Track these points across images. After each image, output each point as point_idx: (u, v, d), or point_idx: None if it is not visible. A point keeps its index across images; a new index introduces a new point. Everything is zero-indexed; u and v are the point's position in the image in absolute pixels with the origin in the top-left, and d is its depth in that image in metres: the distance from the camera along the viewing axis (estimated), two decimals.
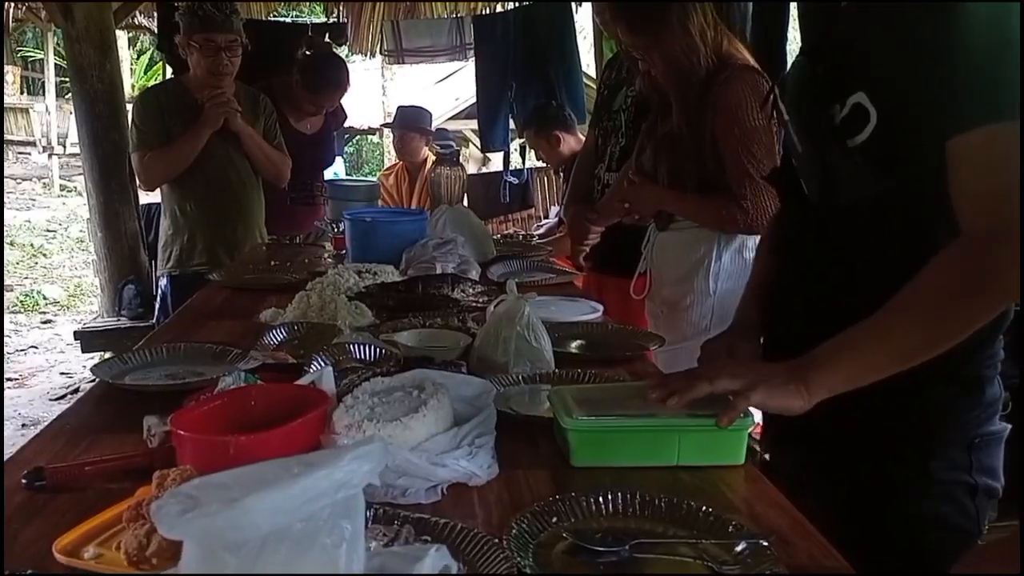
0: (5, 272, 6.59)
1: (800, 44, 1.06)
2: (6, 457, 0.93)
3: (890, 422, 0.96)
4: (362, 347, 1.21)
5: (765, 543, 0.73)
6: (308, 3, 6.24)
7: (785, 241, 1.08)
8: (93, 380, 1.23)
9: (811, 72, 0.95)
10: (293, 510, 0.52)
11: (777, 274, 1.10)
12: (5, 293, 6.03)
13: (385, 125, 4.20)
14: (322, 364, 1.11)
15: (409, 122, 3.68)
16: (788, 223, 1.10)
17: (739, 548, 0.73)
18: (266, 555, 0.52)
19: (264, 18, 4.90)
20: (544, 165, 4.42)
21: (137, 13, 4.84)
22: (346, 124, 4.03)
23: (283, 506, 0.51)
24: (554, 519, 0.77)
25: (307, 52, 3.21)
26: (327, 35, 4.55)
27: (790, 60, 2.35)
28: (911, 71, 0.83)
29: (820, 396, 0.86)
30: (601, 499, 0.80)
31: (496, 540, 0.71)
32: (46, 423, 1.07)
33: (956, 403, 0.95)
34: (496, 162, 5.48)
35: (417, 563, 0.60)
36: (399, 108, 3.90)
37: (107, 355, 1.31)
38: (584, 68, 4.60)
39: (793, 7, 2.14)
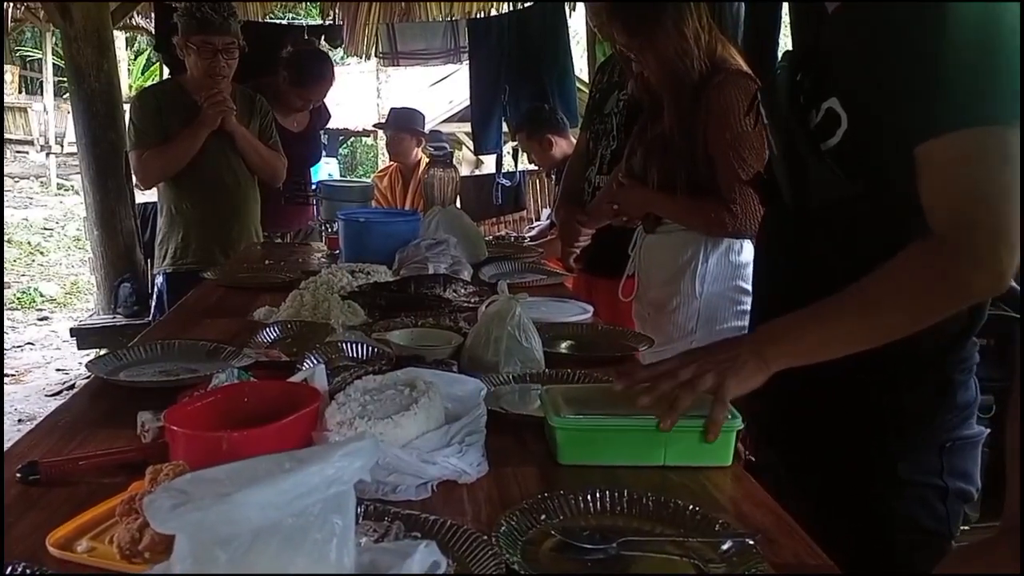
0: (4, 270, 6.60)
1: (790, 49, 1.08)
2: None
3: (862, 424, 0.98)
4: (354, 345, 1.22)
5: (751, 542, 0.74)
6: (304, 5, 6.24)
7: (767, 244, 1.10)
8: (88, 376, 1.24)
9: (792, 78, 0.97)
10: (284, 505, 0.53)
11: (758, 276, 1.11)
12: (4, 290, 6.03)
13: (377, 126, 4.21)
14: (315, 362, 1.12)
15: (402, 123, 3.70)
16: (768, 226, 1.11)
17: (725, 547, 0.74)
18: (257, 550, 0.52)
19: (261, 20, 4.91)
20: (536, 168, 4.43)
21: (134, 14, 4.84)
22: (341, 126, 4.04)
23: (274, 501, 0.52)
24: (542, 517, 0.78)
25: (290, 50, 3.26)
26: (323, 37, 4.56)
27: None
28: (883, 78, 0.85)
29: (777, 368, 0.89)
30: (589, 497, 0.81)
31: (485, 537, 0.72)
32: (42, 419, 1.08)
33: (927, 406, 0.96)
34: (489, 164, 5.49)
35: (406, 559, 0.60)
36: (392, 110, 3.92)
37: (102, 352, 1.32)
38: (577, 72, 4.61)
39: (785, 12, 2.16)
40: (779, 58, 2.21)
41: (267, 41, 3.47)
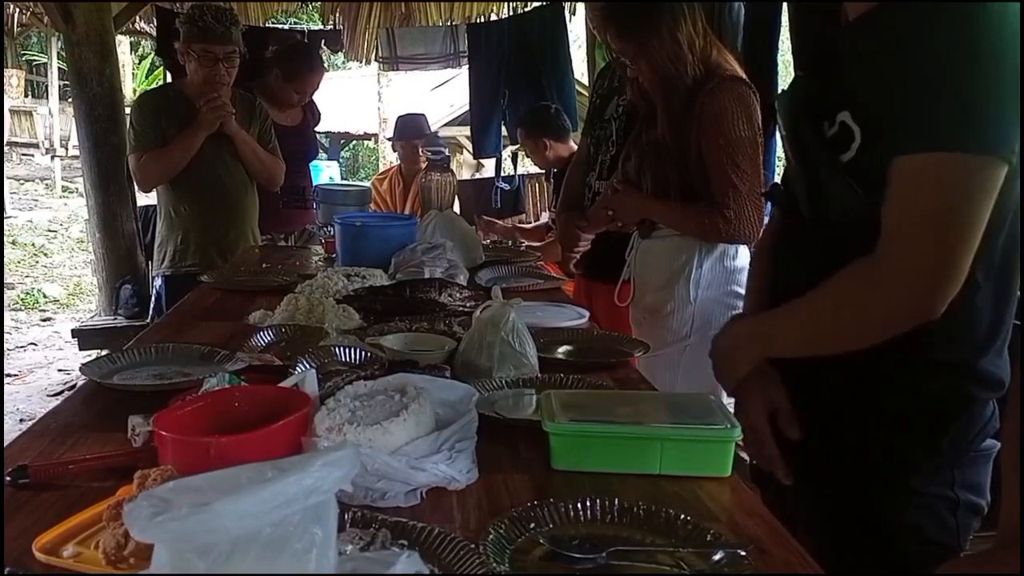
0: (8, 271, 6.63)
1: (792, 56, 1.07)
2: None
3: (877, 433, 0.96)
4: (347, 350, 1.21)
5: (742, 552, 0.73)
6: (306, 10, 6.26)
7: (783, 256, 1.08)
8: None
9: (806, 89, 0.96)
10: (263, 515, 0.52)
11: (774, 287, 1.09)
12: (7, 291, 6.06)
13: (390, 139, 4.17)
14: (307, 366, 1.11)
15: (412, 133, 3.68)
16: (784, 236, 1.09)
17: (716, 557, 0.73)
18: (236, 559, 0.52)
19: (262, 24, 4.92)
20: (535, 172, 4.43)
21: (137, 18, 4.86)
22: (343, 130, 4.04)
23: (252, 511, 0.52)
24: (532, 525, 0.77)
25: (275, 48, 3.29)
26: (323, 41, 4.56)
27: (781, 70, 2.37)
28: (886, 91, 0.84)
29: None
30: (579, 506, 0.80)
31: (473, 545, 0.71)
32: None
33: (946, 419, 0.93)
34: (489, 168, 5.50)
35: (388, 568, 0.60)
36: (399, 119, 3.89)
37: (103, 353, 1.32)
38: (577, 77, 4.61)
39: (784, 18, 2.15)
40: (779, 63, 2.21)
41: (253, 45, 3.50)
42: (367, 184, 4.09)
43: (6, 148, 11.25)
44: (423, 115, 3.88)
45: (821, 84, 0.93)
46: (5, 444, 0.97)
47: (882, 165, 0.84)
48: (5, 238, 7.46)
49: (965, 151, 0.79)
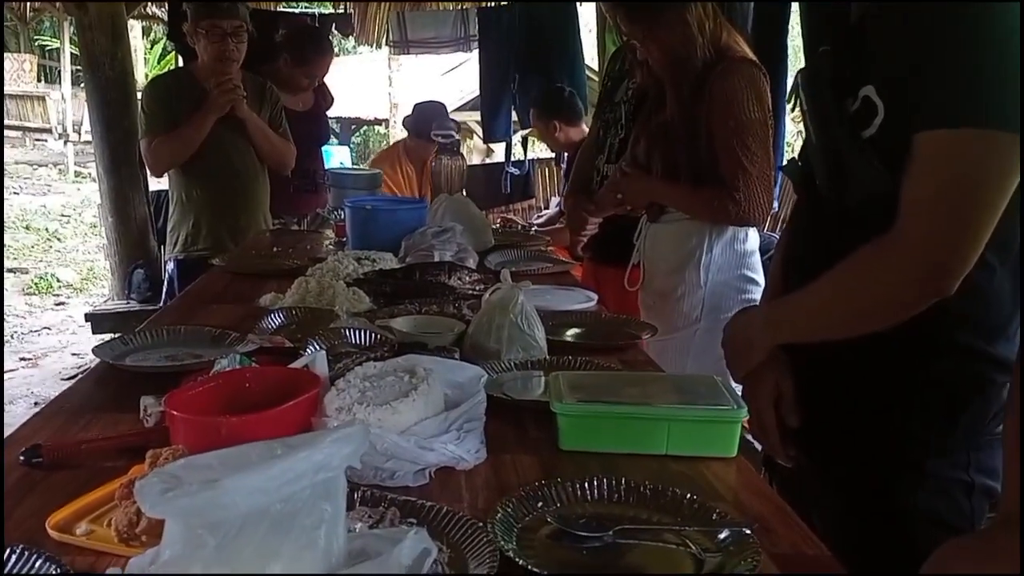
0: (21, 256, 6.71)
1: (806, 37, 1.05)
2: (7, 433, 0.95)
3: (893, 415, 0.95)
4: (357, 332, 1.22)
5: (748, 531, 0.73)
6: None
7: (799, 234, 1.07)
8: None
9: (830, 64, 0.94)
10: (272, 491, 0.53)
11: (788, 266, 1.08)
12: (21, 276, 6.13)
13: (407, 118, 4.06)
14: (317, 348, 1.12)
15: (425, 130, 3.59)
16: (802, 216, 1.08)
17: (722, 535, 0.74)
18: (245, 535, 0.53)
19: (273, 8, 4.90)
20: (545, 156, 4.40)
21: (149, 3, 4.86)
22: (353, 115, 3.98)
23: (262, 487, 0.52)
24: (539, 504, 0.78)
25: (284, 32, 3.27)
26: (333, 25, 4.53)
27: (791, 54, 2.33)
28: (910, 66, 0.82)
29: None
30: (587, 485, 0.81)
31: (480, 523, 0.72)
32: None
33: (963, 402, 0.93)
34: (499, 153, 5.47)
35: (396, 545, 0.61)
36: (416, 107, 3.75)
37: (117, 335, 1.34)
38: (588, 62, 4.57)
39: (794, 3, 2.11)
40: (788, 47, 2.16)
41: (263, 29, 3.48)
42: (378, 169, 4.03)
43: (19, 133, 11.36)
44: (443, 105, 3.77)
45: (846, 59, 0.92)
46: (18, 426, 0.98)
47: (904, 142, 0.83)
48: (19, 223, 7.54)
49: (988, 127, 0.77)
